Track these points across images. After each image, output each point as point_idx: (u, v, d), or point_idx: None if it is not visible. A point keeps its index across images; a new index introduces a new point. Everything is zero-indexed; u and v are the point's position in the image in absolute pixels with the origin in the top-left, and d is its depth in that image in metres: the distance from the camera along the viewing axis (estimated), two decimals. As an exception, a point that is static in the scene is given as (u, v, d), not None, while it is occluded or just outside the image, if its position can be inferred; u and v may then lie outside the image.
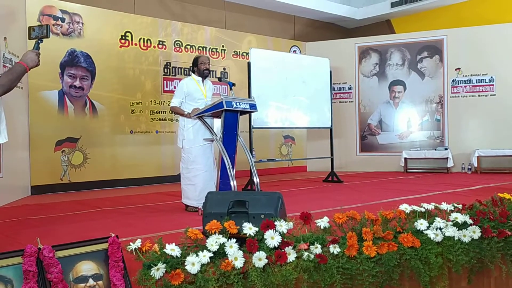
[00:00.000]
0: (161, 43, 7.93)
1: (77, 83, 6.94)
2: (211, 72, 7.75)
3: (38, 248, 1.84)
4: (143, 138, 7.67)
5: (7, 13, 5.93)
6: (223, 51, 8.76)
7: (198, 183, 4.33)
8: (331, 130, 7.88)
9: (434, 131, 9.00)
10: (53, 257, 1.80)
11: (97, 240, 1.99)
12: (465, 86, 8.79)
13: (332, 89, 8.09)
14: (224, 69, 8.76)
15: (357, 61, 9.27)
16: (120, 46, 7.42)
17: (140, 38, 7.67)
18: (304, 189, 6.57)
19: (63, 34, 6.91)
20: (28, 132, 6.60)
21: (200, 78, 4.51)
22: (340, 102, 9.41)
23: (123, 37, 7.47)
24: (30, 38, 2.69)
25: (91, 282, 1.88)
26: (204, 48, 8.51)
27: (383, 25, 10.66)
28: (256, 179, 4.12)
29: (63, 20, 6.89)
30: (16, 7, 6.37)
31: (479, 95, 8.72)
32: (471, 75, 8.76)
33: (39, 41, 2.67)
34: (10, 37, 5.95)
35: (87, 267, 1.89)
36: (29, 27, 2.71)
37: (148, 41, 7.77)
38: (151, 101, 7.79)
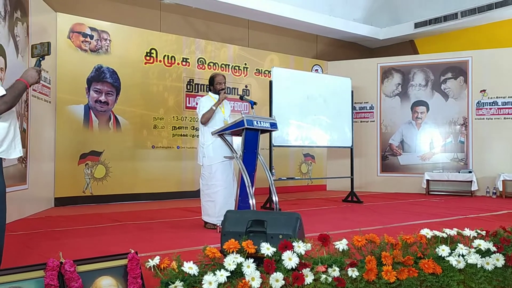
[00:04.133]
0: (185, 60, 7.94)
1: (102, 98, 6.99)
2: (233, 90, 8.22)
3: (60, 262, 1.85)
4: (164, 153, 7.64)
5: (39, 30, 6.07)
6: (245, 69, 8.67)
7: (217, 200, 4.31)
8: (351, 149, 7.73)
9: (458, 153, 8.82)
10: (74, 272, 1.82)
11: (117, 256, 2.01)
12: (490, 108, 8.64)
13: (353, 108, 8.00)
14: (246, 86, 8.68)
15: (379, 81, 9.16)
16: (145, 63, 7.46)
17: (165, 55, 7.71)
18: (323, 209, 6.47)
19: (91, 51, 6.98)
20: (54, 145, 6.64)
21: (217, 96, 4.53)
22: (361, 121, 9.29)
23: (148, 54, 7.50)
24: (32, 56, 2.70)
25: (109, 297, 1.88)
26: (227, 66, 8.46)
27: (406, 45, 10.57)
28: (275, 198, 4.08)
29: (91, 37, 6.99)
30: (47, 24, 6.52)
31: (504, 118, 8.57)
32: (497, 97, 8.61)
33: (41, 59, 2.67)
34: (41, 53, 6.10)
35: (106, 283, 1.91)
36: (32, 45, 2.72)
37: (172, 58, 7.79)
38: (173, 117, 7.78)
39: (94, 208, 6.36)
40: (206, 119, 4.36)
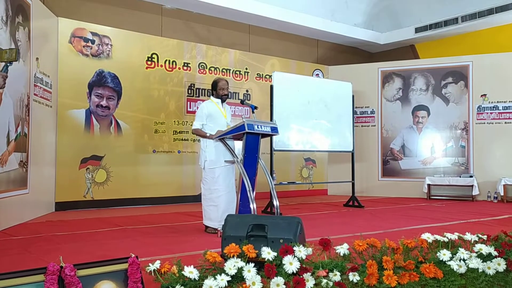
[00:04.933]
0: (186, 65, 7.86)
1: (103, 102, 6.94)
2: (233, 94, 8.16)
3: (60, 266, 1.85)
4: (165, 157, 7.56)
5: (40, 35, 6.06)
6: (246, 73, 8.58)
7: (220, 204, 4.26)
8: (352, 154, 7.65)
9: (459, 158, 8.74)
10: (74, 276, 1.81)
11: (117, 260, 2.00)
12: (491, 113, 8.58)
13: (354, 113, 7.91)
14: (247, 91, 8.61)
15: (380, 85, 9.08)
16: (146, 67, 7.39)
17: (166, 60, 7.64)
18: (324, 213, 6.41)
19: (93, 55, 6.92)
20: (55, 149, 6.56)
21: (219, 100, 4.50)
22: (362, 126, 9.20)
23: (150, 59, 7.44)
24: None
25: (110, 301, 1.86)
26: (228, 71, 8.37)
27: (407, 50, 10.49)
28: (276, 202, 4.08)
29: (93, 42, 6.93)
30: (49, 29, 6.50)
31: (505, 122, 8.50)
32: (497, 101, 8.55)
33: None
34: (42, 57, 6.07)
35: (107, 287, 1.88)
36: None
37: (174, 63, 7.72)
38: (174, 121, 7.69)
39: (95, 213, 6.32)
40: (195, 133, 4.42)
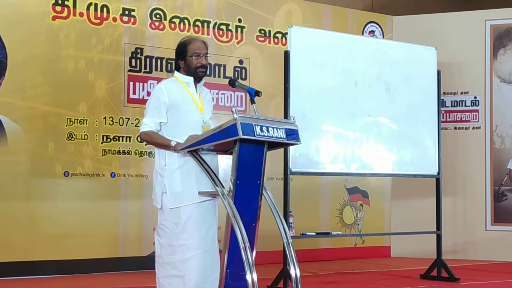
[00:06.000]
0: (126, 13, 5.90)
1: None
2: (216, 68, 6.52)
3: None
4: (88, 185, 5.72)
5: None
6: (239, 29, 6.55)
7: (190, 274, 3.35)
8: (438, 180, 5.77)
9: None
10: None
11: None
12: None
13: (440, 103, 5.97)
14: (241, 62, 6.55)
15: (489, 53, 7.05)
16: (54, 17, 5.52)
17: (90, 4, 5.69)
18: (386, 295, 5.73)
19: None
20: None
21: (190, 79, 3.54)
22: (456, 128, 7.07)
23: (59, 2, 5.55)
24: None
25: None
26: (205, 24, 6.36)
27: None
28: (294, 271, 3.26)
29: None
30: None
31: None
32: None
33: None
34: None
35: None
36: None
37: (104, 9, 5.75)
38: (105, 118, 5.75)
39: None
40: (146, 140, 3.62)
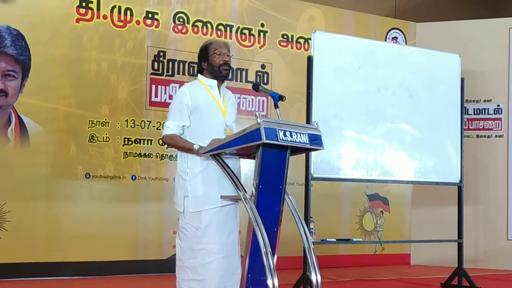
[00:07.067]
0: (150, 16, 5.88)
1: None
2: (238, 72, 6.50)
3: None
4: (109, 188, 5.68)
5: None
6: (262, 34, 6.53)
7: (210, 279, 3.37)
8: (460, 189, 5.70)
9: None
10: None
11: None
12: None
13: (463, 111, 5.96)
14: (263, 67, 6.53)
15: None
16: (77, 19, 5.51)
17: (114, 6, 5.65)
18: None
19: None
20: None
21: (213, 82, 3.55)
22: (478, 136, 6.98)
23: (83, 4, 5.52)
24: None
25: None
26: (228, 28, 6.34)
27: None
28: (315, 277, 3.27)
29: None
30: None
31: None
32: None
33: None
34: None
35: None
36: None
37: (128, 12, 5.73)
38: (127, 120, 5.71)
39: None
40: (169, 144, 3.65)
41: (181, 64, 6.06)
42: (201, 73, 3.55)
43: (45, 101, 5.33)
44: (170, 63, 5.97)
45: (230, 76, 4.49)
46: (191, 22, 6.02)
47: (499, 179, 7.07)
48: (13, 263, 5.23)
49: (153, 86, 5.85)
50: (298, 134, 3.26)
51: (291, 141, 3.21)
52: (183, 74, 6.07)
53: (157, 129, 5.76)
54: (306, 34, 6.70)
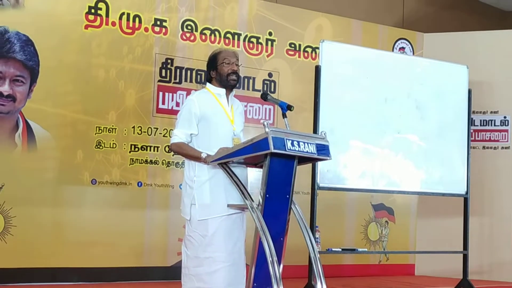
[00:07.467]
0: (158, 23, 5.89)
1: (4, 88, 5.27)
2: (246, 81, 6.51)
3: None
4: (115, 194, 5.68)
5: None
6: (270, 42, 6.55)
7: (216, 287, 3.43)
8: (466, 200, 5.78)
9: None
10: None
11: None
12: None
13: (470, 122, 5.99)
14: (270, 75, 6.54)
15: None
16: (86, 26, 5.55)
17: (122, 13, 5.67)
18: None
19: None
20: None
21: (221, 91, 3.58)
22: (485, 147, 6.95)
23: (92, 11, 5.55)
24: None
25: None
26: (236, 36, 6.41)
27: None
28: (321, 286, 3.30)
29: None
30: None
31: None
32: None
33: None
34: None
35: None
36: None
37: (136, 19, 5.76)
38: (134, 127, 5.70)
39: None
40: (177, 152, 3.67)
41: (189, 72, 5.97)
42: (210, 82, 3.57)
43: (53, 107, 5.30)
44: (178, 70, 5.89)
45: (239, 84, 4.60)
46: (199, 30, 5.95)
47: (505, 190, 6.99)
48: (19, 268, 5.23)
49: (161, 93, 5.77)
50: (306, 144, 3.30)
51: (298, 151, 3.25)
52: (191, 81, 6.04)
53: (163, 136, 5.71)
54: (314, 43, 6.62)
